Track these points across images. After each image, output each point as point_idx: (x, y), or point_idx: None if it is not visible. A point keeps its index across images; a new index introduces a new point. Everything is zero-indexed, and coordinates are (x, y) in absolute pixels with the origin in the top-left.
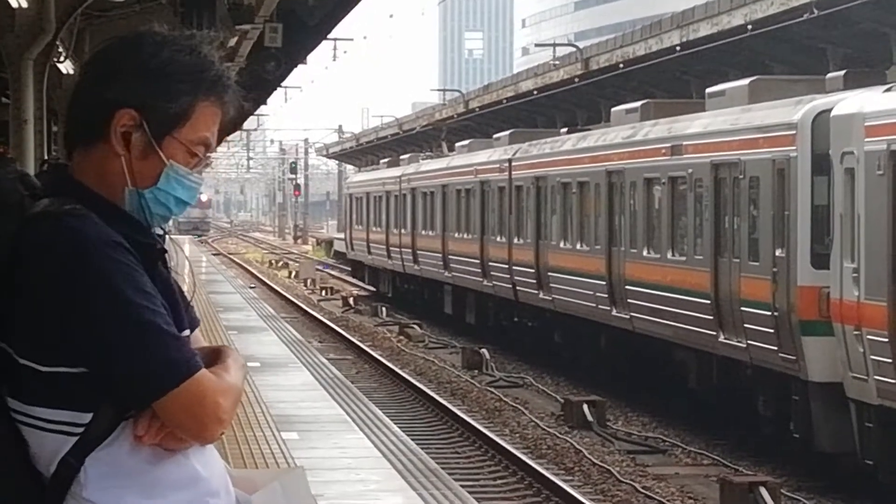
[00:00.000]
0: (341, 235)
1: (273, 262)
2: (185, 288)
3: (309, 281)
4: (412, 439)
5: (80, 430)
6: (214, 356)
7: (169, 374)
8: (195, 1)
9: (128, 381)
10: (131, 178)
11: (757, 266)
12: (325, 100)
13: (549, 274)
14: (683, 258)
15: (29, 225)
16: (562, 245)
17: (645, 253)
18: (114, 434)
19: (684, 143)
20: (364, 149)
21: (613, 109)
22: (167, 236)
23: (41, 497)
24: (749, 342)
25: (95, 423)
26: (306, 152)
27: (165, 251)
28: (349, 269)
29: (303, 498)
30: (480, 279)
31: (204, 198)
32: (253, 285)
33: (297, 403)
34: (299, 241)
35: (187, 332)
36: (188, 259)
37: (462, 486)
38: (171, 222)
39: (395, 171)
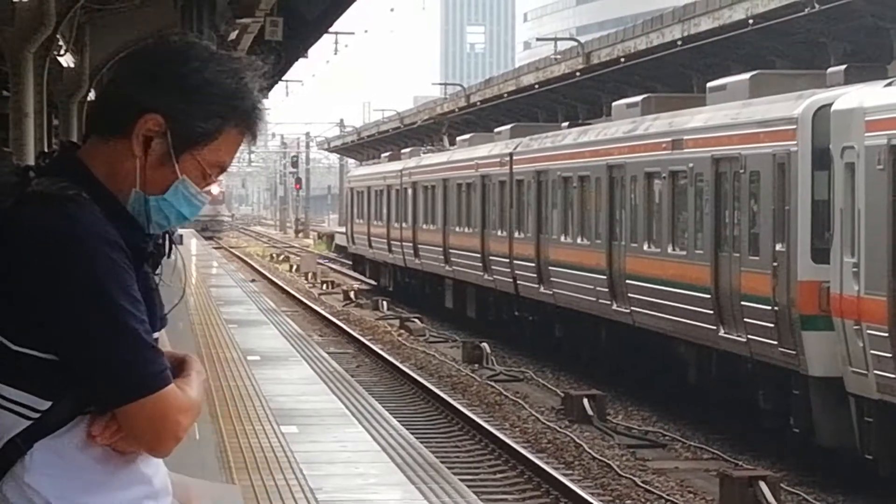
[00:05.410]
0: (342, 229)
1: (274, 255)
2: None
3: (310, 275)
4: (412, 433)
5: (37, 415)
6: (179, 367)
7: (138, 385)
8: None
9: (95, 381)
10: (141, 182)
11: (757, 260)
12: (327, 94)
13: (550, 268)
14: (684, 252)
15: (27, 203)
16: (562, 239)
17: (645, 247)
18: (68, 426)
19: (685, 137)
20: (365, 143)
21: (614, 104)
22: (177, 234)
23: None
24: (749, 336)
25: (53, 412)
26: (308, 146)
27: (153, 254)
28: (350, 262)
29: None
30: (481, 273)
31: (215, 190)
32: (254, 279)
33: (297, 397)
34: (300, 234)
35: (157, 334)
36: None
37: (462, 481)
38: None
39: (396, 165)
